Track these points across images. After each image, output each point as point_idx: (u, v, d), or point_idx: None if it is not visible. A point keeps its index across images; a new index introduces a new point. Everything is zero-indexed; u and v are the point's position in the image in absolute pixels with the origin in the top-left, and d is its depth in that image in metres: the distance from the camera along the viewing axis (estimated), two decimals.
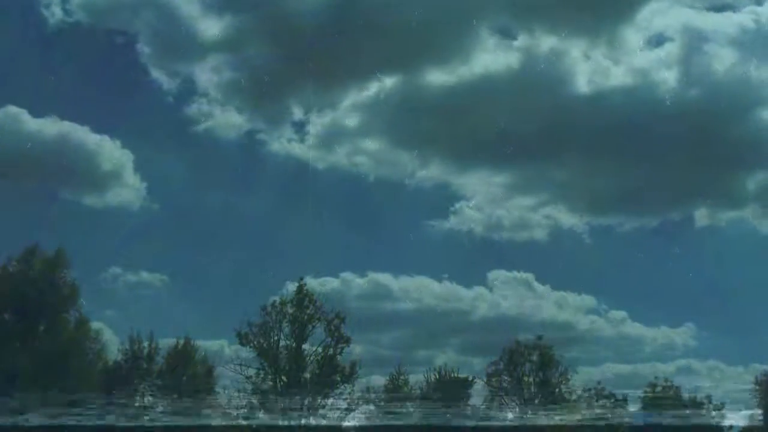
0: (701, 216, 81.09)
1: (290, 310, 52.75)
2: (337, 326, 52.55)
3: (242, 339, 52.19)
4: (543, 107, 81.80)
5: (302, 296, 53.17)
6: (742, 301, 74.12)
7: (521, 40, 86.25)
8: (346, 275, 70.78)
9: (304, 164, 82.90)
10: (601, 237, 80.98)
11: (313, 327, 52.78)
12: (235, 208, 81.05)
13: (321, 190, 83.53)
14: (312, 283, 56.29)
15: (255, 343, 52.21)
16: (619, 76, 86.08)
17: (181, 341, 53.63)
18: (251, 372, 51.88)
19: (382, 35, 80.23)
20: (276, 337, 52.47)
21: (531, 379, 54.94)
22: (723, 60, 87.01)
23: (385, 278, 73.45)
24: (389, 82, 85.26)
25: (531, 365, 54.97)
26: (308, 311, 52.81)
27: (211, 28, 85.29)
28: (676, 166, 77.70)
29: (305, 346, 52.85)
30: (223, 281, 74.88)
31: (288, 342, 52.63)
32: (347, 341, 52.58)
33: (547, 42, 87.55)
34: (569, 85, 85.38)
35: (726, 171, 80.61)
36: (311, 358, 52.69)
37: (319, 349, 52.48)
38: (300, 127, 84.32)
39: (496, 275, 73.86)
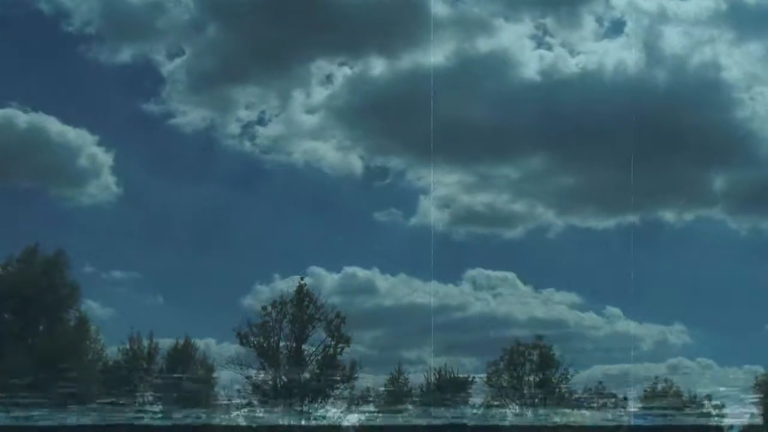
0: (669, 215, 79.69)
1: (290, 310, 52.83)
2: (337, 326, 52.64)
3: (242, 339, 52.41)
4: (498, 98, 79.82)
5: (302, 296, 53.31)
6: (725, 300, 73.77)
7: (477, 27, 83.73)
8: (313, 270, 68.39)
9: (259, 161, 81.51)
10: (574, 236, 79.69)
11: (313, 327, 52.88)
12: (197, 205, 79.64)
13: (278, 186, 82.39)
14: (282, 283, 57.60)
15: (255, 342, 52.32)
16: (577, 66, 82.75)
17: (181, 341, 53.79)
18: (251, 372, 52.02)
19: (331, 23, 79.21)
20: (276, 337, 52.61)
21: (531, 379, 54.90)
22: (685, 46, 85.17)
23: (358, 275, 71.23)
24: (340, 72, 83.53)
25: (531, 365, 55.00)
26: (308, 311, 52.91)
27: (161, 13, 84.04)
28: (641, 163, 76.14)
29: (305, 346, 52.98)
30: (196, 281, 73.90)
31: (288, 342, 52.75)
32: (347, 341, 52.65)
33: (504, 30, 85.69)
34: (526, 75, 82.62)
35: (692, 167, 78.87)
36: (311, 358, 52.78)
37: (319, 349, 52.57)
38: (256, 122, 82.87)
39: (476, 273, 72.51)
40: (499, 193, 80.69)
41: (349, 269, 70.27)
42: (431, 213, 75.98)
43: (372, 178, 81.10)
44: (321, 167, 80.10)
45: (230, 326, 53.03)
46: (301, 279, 54.22)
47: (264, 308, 53.00)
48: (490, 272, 72.52)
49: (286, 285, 56.18)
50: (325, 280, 65.53)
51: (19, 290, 50.52)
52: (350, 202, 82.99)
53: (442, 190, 78.78)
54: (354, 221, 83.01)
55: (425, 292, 69.44)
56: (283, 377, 52.34)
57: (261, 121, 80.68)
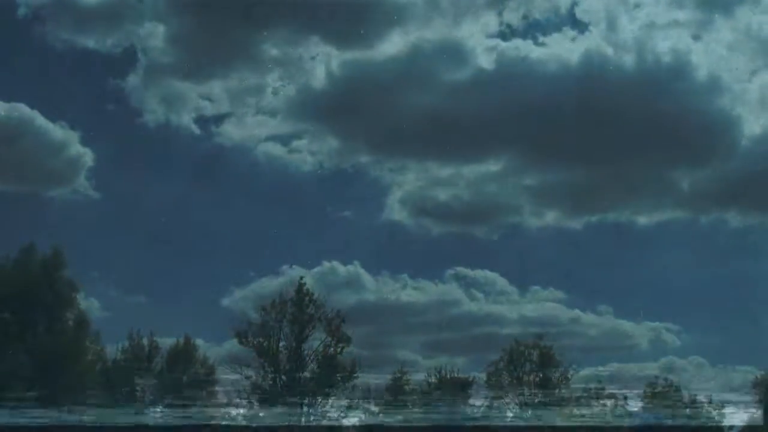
0: (641, 215, 78.45)
1: (290, 310, 52.82)
2: (337, 326, 52.62)
3: (241, 339, 52.34)
4: (457, 90, 77.32)
5: (302, 296, 53.28)
6: (715, 300, 73.68)
7: (433, 17, 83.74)
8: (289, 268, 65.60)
9: (221, 159, 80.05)
10: (549, 235, 78.74)
11: (313, 327, 52.83)
12: (159, 201, 78.69)
13: (240, 184, 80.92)
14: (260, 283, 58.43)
15: (254, 342, 52.27)
16: (541, 55, 79.98)
17: (182, 341, 53.78)
18: (251, 372, 51.96)
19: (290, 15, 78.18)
20: (276, 337, 52.57)
21: (531, 379, 54.98)
22: (651, 35, 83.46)
23: (335, 271, 68.04)
24: (304, 66, 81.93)
25: (531, 365, 55.09)
26: (308, 311, 52.88)
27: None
28: (608, 162, 75.12)
29: (305, 346, 52.94)
30: (174, 280, 73.03)
31: (288, 342, 52.71)
32: (347, 341, 52.66)
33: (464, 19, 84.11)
34: (485, 66, 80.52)
35: (672, 163, 77.37)
36: (311, 358, 52.75)
37: (320, 349, 52.51)
38: (218, 119, 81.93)
39: (456, 271, 71.31)
40: (466, 190, 79.75)
41: (326, 265, 68.88)
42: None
43: (336, 175, 79.89)
44: (284, 164, 78.98)
45: (213, 327, 53.49)
46: (301, 279, 54.58)
47: (264, 308, 53.11)
48: (468, 270, 71.50)
49: (263, 285, 57.99)
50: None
51: (17, 290, 50.32)
52: (314, 199, 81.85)
53: (408, 187, 78.06)
54: (320, 219, 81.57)
55: (414, 289, 69.42)
56: (283, 377, 52.40)
57: (224, 119, 79.76)
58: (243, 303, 61.98)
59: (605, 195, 75.48)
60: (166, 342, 54.74)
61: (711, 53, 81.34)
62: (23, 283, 50.85)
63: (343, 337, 52.68)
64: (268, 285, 58.87)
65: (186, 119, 78.49)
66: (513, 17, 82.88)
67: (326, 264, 66.41)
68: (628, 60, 79.82)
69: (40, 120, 73.28)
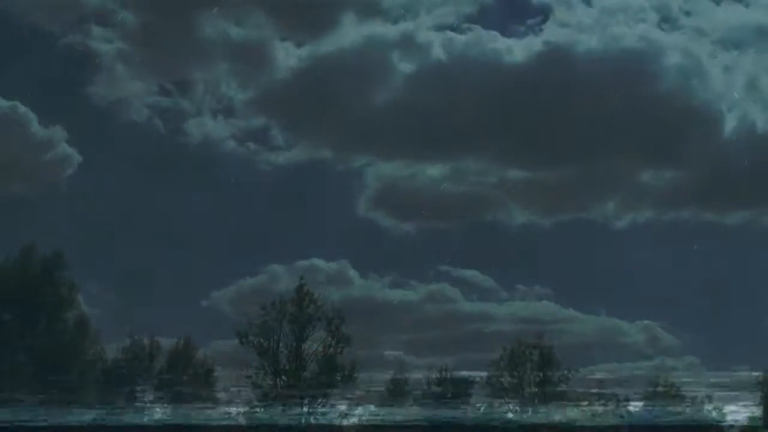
0: (617, 214, 77.77)
1: (290, 310, 52.90)
2: (337, 326, 52.69)
3: (242, 338, 52.40)
4: (417, 85, 76.57)
5: (302, 296, 53.35)
6: (709, 300, 73.47)
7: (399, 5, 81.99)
8: (271, 267, 65.59)
9: (193, 156, 78.98)
10: (530, 233, 77.99)
11: (314, 327, 52.92)
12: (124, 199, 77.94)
13: (211, 182, 79.93)
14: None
15: (255, 342, 52.36)
16: (506, 46, 78.88)
17: (182, 341, 53.86)
18: (251, 371, 51.91)
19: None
20: (276, 337, 52.64)
21: (531, 379, 55.02)
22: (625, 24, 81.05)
23: (319, 269, 67.26)
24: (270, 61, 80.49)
25: (532, 364, 55.12)
26: (308, 311, 52.97)
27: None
28: (578, 159, 74.50)
29: (305, 346, 52.99)
30: (153, 280, 72.48)
31: (288, 342, 52.80)
32: (347, 341, 52.71)
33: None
34: (455, 58, 78.40)
35: (657, 158, 76.38)
36: (311, 358, 52.82)
37: (320, 349, 52.53)
38: (192, 115, 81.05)
39: (442, 270, 70.40)
40: (438, 187, 78.59)
41: (305, 263, 66.55)
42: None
43: (307, 172, 79.09)
44: (254, 162, 78.23)
45: (199, 327, 53.90)
46: (301, 279, 54.65)
47: (264, 308, 53.15)
48: (450, 268, 70.70)
49: (244, 285, 59.91)
50: (283, 276, 63.55)
51: (17, 289, 50.45)
52: (283, 196, 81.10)
53: (376, 184, 77.31)
54: (291, 216, 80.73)
55: (401, 287, 69.11)
56: (283, 377, 52.48)
57: (190, 116, 79.09)
58: (224, 303, 62.93)
59: (579, 194, 75.12)
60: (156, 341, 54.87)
61: (686, 45, 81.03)
62: (23, 283, 50.99)
63: (343, 337, 52.82)
64: (248, 284, 60.46)
65: (150, 116, 77.89)
66: (472, 8, 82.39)
67: (304, 262, 66.00)
68: (604, 54, 79.27)
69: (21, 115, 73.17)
